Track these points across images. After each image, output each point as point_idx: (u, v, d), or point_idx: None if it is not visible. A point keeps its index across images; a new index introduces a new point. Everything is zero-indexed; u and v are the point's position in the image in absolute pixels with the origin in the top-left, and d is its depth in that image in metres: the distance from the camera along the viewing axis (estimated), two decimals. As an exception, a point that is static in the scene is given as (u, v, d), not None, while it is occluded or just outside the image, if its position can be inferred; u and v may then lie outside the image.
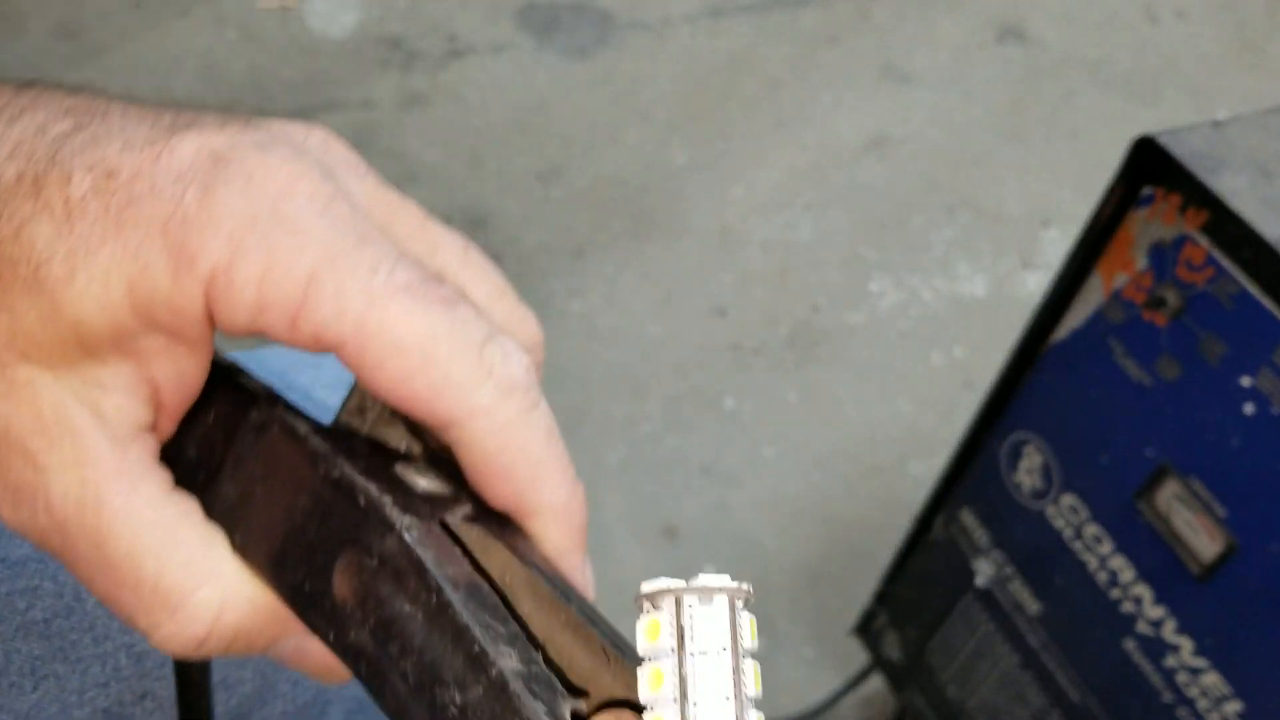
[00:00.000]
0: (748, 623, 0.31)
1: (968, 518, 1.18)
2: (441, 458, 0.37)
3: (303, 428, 0.34)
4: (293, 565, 0.33)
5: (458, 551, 0.33)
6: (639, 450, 1.81)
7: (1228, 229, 0.82)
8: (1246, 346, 0.83)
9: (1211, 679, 0.96)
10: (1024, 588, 1.13)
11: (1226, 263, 0.82)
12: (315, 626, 0.33)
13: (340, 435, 0.35)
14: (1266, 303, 0.81)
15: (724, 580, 0.31)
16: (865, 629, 1.42)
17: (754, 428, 1.87)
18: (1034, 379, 1.04)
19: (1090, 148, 2.41)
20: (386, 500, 0.32)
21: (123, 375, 0.32)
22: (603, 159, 2.24)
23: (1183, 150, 0.85)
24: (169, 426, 0.35)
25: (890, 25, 2.63)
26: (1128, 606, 1.01)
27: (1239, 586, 0.90)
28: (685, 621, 0.30)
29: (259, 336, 0.32)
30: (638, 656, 0.31)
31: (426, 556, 0.31)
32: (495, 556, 0.35)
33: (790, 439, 1.86)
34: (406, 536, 0.32)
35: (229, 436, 0.35)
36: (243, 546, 0.34)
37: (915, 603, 1.31)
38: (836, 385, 1.94)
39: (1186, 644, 0.97)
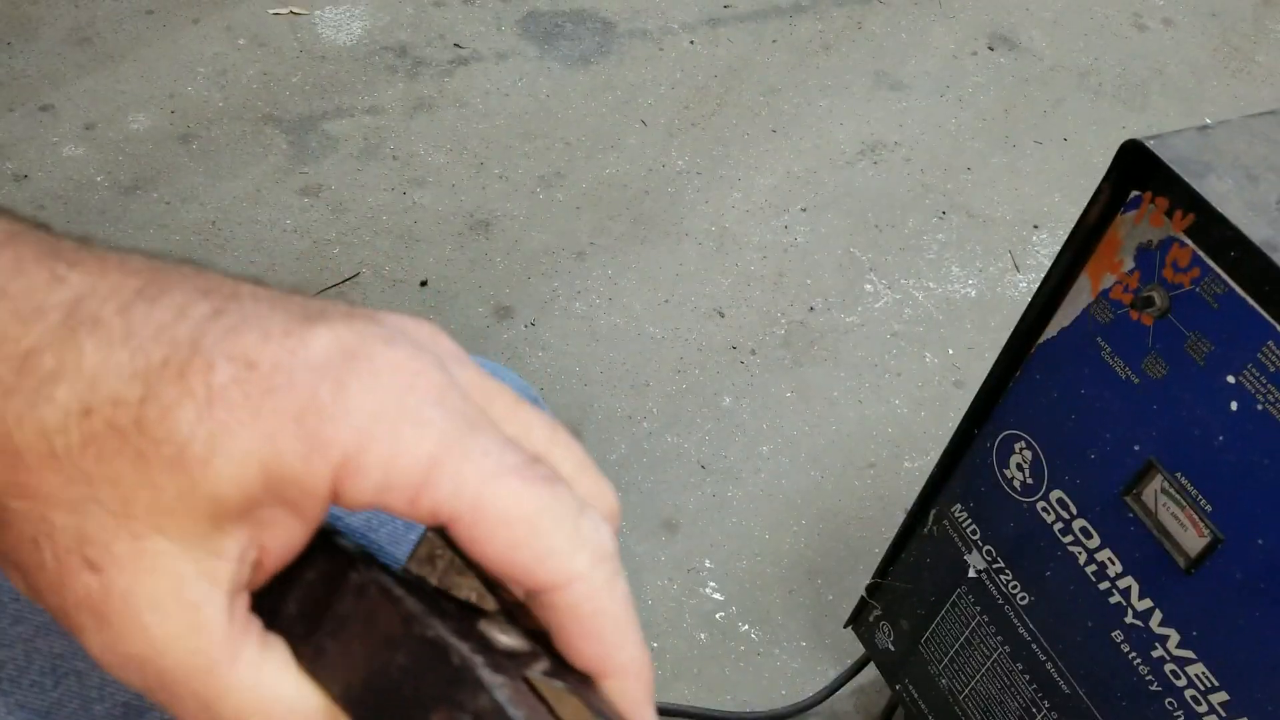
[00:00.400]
0: None
1: (959, 513, 1.17)
2: (512, 611, 0.40)
3: (398, 590, 0.36)
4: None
5: (544, 709, 0.35)
6: (639, 447, 1.82)
7: (1214, 231, 0.81)
8: (1232, 345, 0.83)
9: (1198, 669, 0.96)
10: (1014, 580, 1.13)
11: (1212, 264, 0.82)
12: None
13: (429, 595, 0.37)
14: (1251, 303, 0.80)
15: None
16: (859, 621, 1.42)
17: (751, 425, 1.88)
18: (1024, 378, 1.03)
19: (1079, 153, 2.43)
20: (478, 660, 0.34)
21: (240, 543, 0.34)
22: (604, 163, 2.25)
23: (1170, 154, 0.84)
24: (261, 580, 0.37)
25: (883, 34, 2.64)
26: (1116, 599, 1.01)
27: (1224, 579, 0.90)
28: None
29: (377, 509, 0.35)
30: None
31: (518, 715, 0.33)
32: (572, 711, 0.37)
33: (786, 436, 1.87)
34: (499, 695, 0.33)
35: (329, 595, 0.37)
36: (344, 699, 0.36)
37: (908, 596, 1.31)
38: (832, 384, 1.95)
39: (1173, 635, 0.97)
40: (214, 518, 0.33)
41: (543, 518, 0.35)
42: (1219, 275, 0.82)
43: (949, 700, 1.29)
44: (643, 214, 2.16)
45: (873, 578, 1.37)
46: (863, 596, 1.40)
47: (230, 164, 2.13)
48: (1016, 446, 1.07)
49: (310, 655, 0.36)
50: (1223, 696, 0.95)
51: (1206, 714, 0.97)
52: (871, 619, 1.39)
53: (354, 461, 0.33)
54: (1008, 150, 2.42)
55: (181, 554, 0.33)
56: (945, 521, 1.20)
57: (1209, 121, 0.91)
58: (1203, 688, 0.97)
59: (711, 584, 1.68)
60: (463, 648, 0.34)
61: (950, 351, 2.02)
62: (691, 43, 2.53)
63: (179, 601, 0.33)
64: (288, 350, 0.34)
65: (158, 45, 2.31)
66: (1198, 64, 2.70)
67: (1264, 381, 0.81)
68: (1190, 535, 0.92)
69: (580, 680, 0.38)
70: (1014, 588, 1.13)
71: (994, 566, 1.15)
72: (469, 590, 0.41)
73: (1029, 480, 1.06)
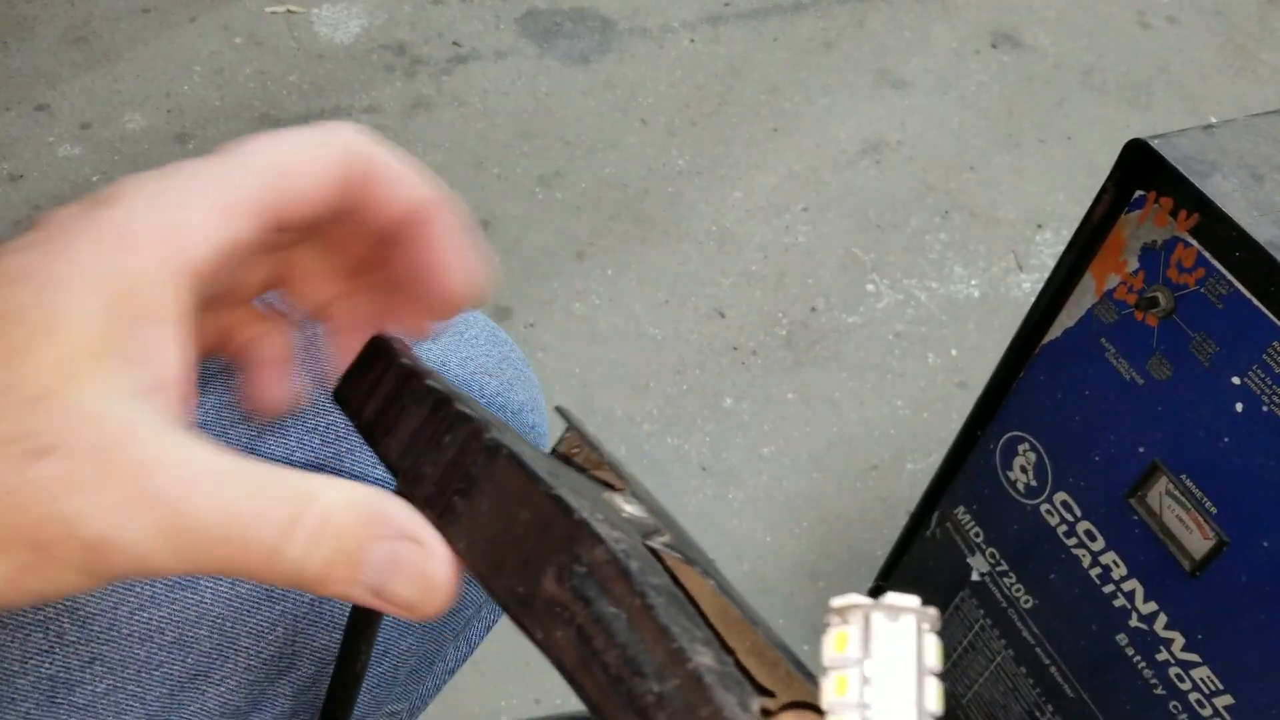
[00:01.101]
0: (932, 644, 0.33)
1: (963, 515, 1.18)
2: (641, 499, 0.43)
3: (528, 454, 0.38)
4: (510, 571, 0.37)
5: (659, 566, 0.37)
6: (639, 448, 1.82)
7: (1218, 231, 0.82)
8: (1237, 346, 0.83)
9: (1202, 673, 0.96)
10: (1018, 583, 1.13)
11: (1217, 264, 0.82)
12: (524, 624, 0.36)
13: (557, 465, 0.40)
14: (1257, 303, 0.80)
15: (913, 601, 0.33)
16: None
17: (752, 427, 1.87)
18: (1027, 379, 1.04)
19: (1083, 152, 2.43)
20: (598, 517, 0.36)
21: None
22: (604, 163, 2.25)
23: (1174, 154, 0.85)
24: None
25: (885, 32, 2.64)
26: (1120, 602, 1.01)
27: (1229, 582, 0.90)
28: (873, 635, 0.32)
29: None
30: (817, 679, 0.34)
31: (632, 566, 0.35)
32: (691, 579, 0.39)
33: (788, 438, 1.87)
34: (615, 548, 0.35)
35: (462, 457, 0.39)
36: (468, 552, 0.38)
37: (912, 599, 1.31)
38: (834, 385, 1.95)
39: (1178, 638, 0.97)
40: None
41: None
42: (1224, 275, 0.82)
43: (952, 705, 1.30)
44: (643, 214, 2.16)
45: (875, 581, 1.38)
46: (864, 599, 1.39)
47: (228, 164, 2.12)
48: (1020, 448, 1.07)
49: (440, 512, 0.39)
50: (1227, 700, 0.95)
51: (1211, 718, 0.98)
52: (873, 622, 1.38)
53: None
54: (1011, 149, 2.41)
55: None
56: (948, 524, 1.20)
57: (1213, 121, 0.91)
58: (1207, 691, 0.97)
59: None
60: (585, 504, 0.36)
61: (953, 352, 2.01)
62: (692, 41, 2.53)
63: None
64: None
65: (154, 44, 2.31)
66: (1202, 63, 2.70)
67: (1269, 382, 0.81)
68: (1195, 538, 0.92)
69: (699, 558, 0.40)
70: (1018, 591, 1.14)
71: (997, 569, 1.15)
72: (605, 476, 0.46)
73: (1033, 482, 1.07)
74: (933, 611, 0.33)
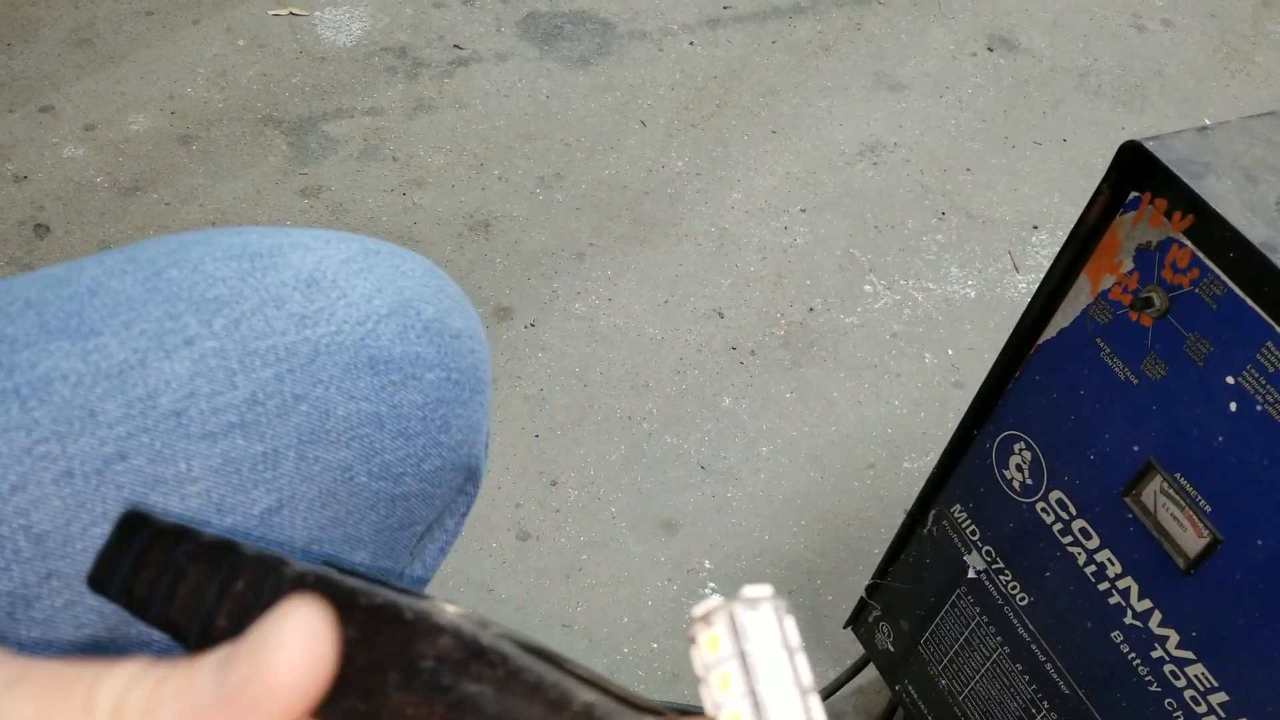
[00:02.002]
0: (791, 626, 0.34)
1: (959, 513, 1.18)
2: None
3: (338, 574, 0.36)
4: (344, 694, 0.34)
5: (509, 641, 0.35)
6: (639, 448, 1.82)
7: (1213, 232, 0.81)
8: (1231, 346, 0.83)
9: (1197, 670, 0.96)
10: (1014, 581, 1.13)
11: (1211, 265, 0.82)
12: None
13: (372, 580, 0.36)
14: (1251, 304, 0.80)
15: (766, 591, 0.34)
16: (859, 622, 1.42)
17: (751, 426, 1.88)
18: (1023, 378, 1.03)
19: (1078, 154, 2.43)
20: (432, 609, 0.34)
21: None
22: (603, 164, 2.25)
23: (1169, 155, 0.84)
24: None
25: (883, 35, 2.64)
26: (1115, 599, 1.01)
27: (1223, 580, 0.90)
28: (740, 627, 0.33)
29: None
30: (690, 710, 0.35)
31: (483, 638, 0.33)
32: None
33: (786, 437, 1.87)
34: (462, 627, 0.34)
35: (261, 596, 0.36)
36: None
37: (908, 596, 1.31)
38: (831, 385, 1.96)
39: (1172, 636, 0.97)
40: None
41: None
42: (1218, 276, 0.82)
43: (948, 701, 1.29)
44: (642, 215, 2.17)
45: (872, 578, 1.37)
46: (862, 597, 1.40)
47: (230, 165, 2.13)
48: (1016, 447, 1.07)
49: None
50: (1222, 697, 0.95)
51: (1206, 714, 0.97)
52: (871, 620, 1.39)
53: None
54: (1007, 151, 2.42)
55: None
56: (945, 522, 1.20)
57: (1208, 122, 0.92)
58: (1202, 688, 0.97)
59: (711, 585, 1.68)
60: (413, 605, 0.34)
61: (950, 352, 2.02)
62: (691, 44, 2.53)
63: None
64: None
65: (158, 46, 2.31)
66: (1197, 65, 2.70)
67: (1263, 382, 0.81)
68: (1189, 536, 0.92)
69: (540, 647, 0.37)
70: (1013, 588, 1.13)
71: (993, 567, 1.15)
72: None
73: (1028, 481, 1.06)
74: (782, 601, 0.34)
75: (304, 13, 2.43)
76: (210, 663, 0.32)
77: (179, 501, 0.55)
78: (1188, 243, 0.84)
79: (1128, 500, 0.96)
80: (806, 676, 0.33)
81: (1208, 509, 0.89)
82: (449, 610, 0.34)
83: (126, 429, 0.55)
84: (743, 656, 0.33)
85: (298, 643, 0.32)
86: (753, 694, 0.33)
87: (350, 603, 0.34)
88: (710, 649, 0.34)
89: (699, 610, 0.34)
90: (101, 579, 0.39)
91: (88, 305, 0.57)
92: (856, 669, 1.49)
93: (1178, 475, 0.91)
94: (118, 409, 0.55)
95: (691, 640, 0.34)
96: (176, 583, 0.37)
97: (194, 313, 0.58)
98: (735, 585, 1.68)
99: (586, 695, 0.33)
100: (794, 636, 0.34)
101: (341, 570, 0.36)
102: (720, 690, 0.33)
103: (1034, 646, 1.14)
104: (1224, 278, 0.82)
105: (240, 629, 0.34)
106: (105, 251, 0.62)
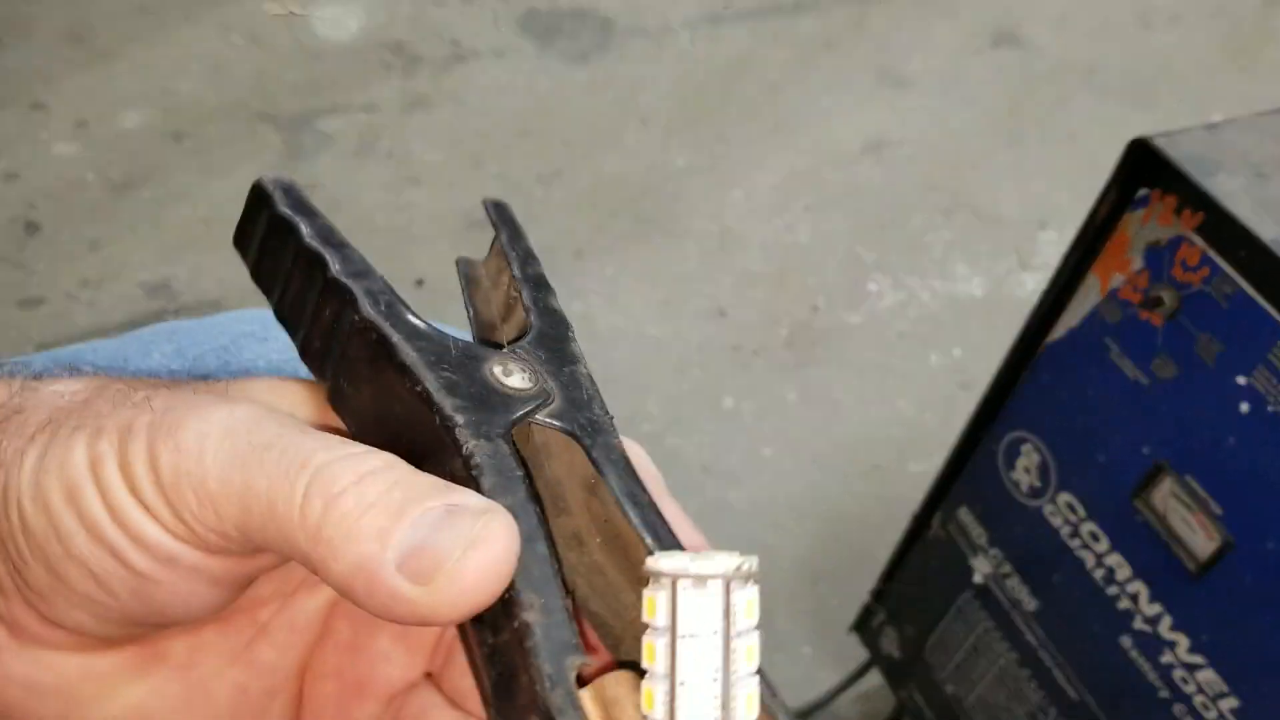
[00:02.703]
0: (744, 601, 0.33)
1: (966, 516, 1.17)
2: (546, 337, 0.42)
3: (396, 335, 0.37)
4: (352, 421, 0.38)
5: (520, 473, 0.35)
6: (639, 450, 1.81)
7: (1223, 230, 0.81)
8: (1242, 346, 0.82)
9: (1207, 675, 0.96)
10: (1021, 585, 1.13)
11: (1222, 263, 0.82)
12: None
13: (435, 336, 0.38)
14: (1262, 302, 0.80)
15: (723, 563, 0.33)
16: (864, 626, 1.42)
17: (753, 427, 1.87)
18: (1031, 379, 1.03)
19: (1086, 150, 2.42)
20: (459, 420, 0.35)
21: None
22: (603, 162, 2.24)
23: (1178, 152, 0.84)
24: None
25: (886, 30, 2.64)
26: (1124, 604, 1.01)
27: (1234, 584, 0.90)
28: (679, 605, 0.32)
29: None
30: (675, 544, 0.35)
31: (485, 484, 0.34)
32: (564, 457, 0.39)
33: (789, 438, 1.86)
34: (470, 462, 0.35)
35: (338, 332, 0.38)
36: (359, 436, 0.38)
37: (913, 600, 1.31)
38: (835, 385, 1.95)
39: (1182, 640, 0.97)
40: None
41: None
42: (1229, 274, 0.82)
43: (954, 707, 1.30)
44: (642, 213, 2.16)
45: (877, 582, 1.38)
46: (867, 601, 1.40)
47: (223, 162, 2.12)
48: (1024, 449, 1.07)
49: (331, 393, 0.39)
50: (1233, 703, 0.95)
51: (1216, 721, 0.97)
52: (876, 624, 1.39)
53: None
54: (1013, 148, 2.41)
55: None
56: (951, 525, 1.20)
57: (1217, 119, 0.91)
58: (1212, 694, 0.96)
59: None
60: (447, 404, 0.36)
61: (956, 352, 2.01)
62: (691, 40, 2.53)
63: None
64: None
65: (151, 42, 2.31)
66: (1205, 61, 2.69)
67: (1275, 382, 0.82)
68: (1200, 539, 0.92)
69: (592, 425, 0.39)
70: (1021, 593, 1.14)
71: (1001, 571, 1.15)
72: (501, 303, 0.45)
73: (1036, 483, 1.07)
74: (748, 565, 0.33)
75: (300, 9, 2.42)
76: (438, 508, 0.33)
77: None
78: (1198, 240, 0.84)
79: (1137, 503, 0.96)
80: (744, 664, 0.33)
81: (1219, 511, 0.89)
82: (472, 436, 0.35)
83: None
84: (672, 637, 0.32)
85: (486, 574, 0.33)
86: (670, 680, 0.32)
87: (400, 381, 0.36)
88: (649, 612, 0.33)
89: (651, 564, 0.33)
90: (239, 243, 0.43)
91: None
92: (858, 674, 1.49)
93: (1188, 477, 0.91)
94: None
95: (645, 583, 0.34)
96: (286, 285, 0.40)
97: None
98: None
99: (532, 614, 0.33)
100: (744, 618, 0.33)
101: (398, 318, 0.38)
102: (648, 660, 0.32)
103: (1042, 652, 1.14)
104: (1235, 276, 0.82)
105: (326, 357, 0.39)
106: (150, 332, 0.61)
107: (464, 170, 2.19)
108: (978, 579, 1.18)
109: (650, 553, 0.36)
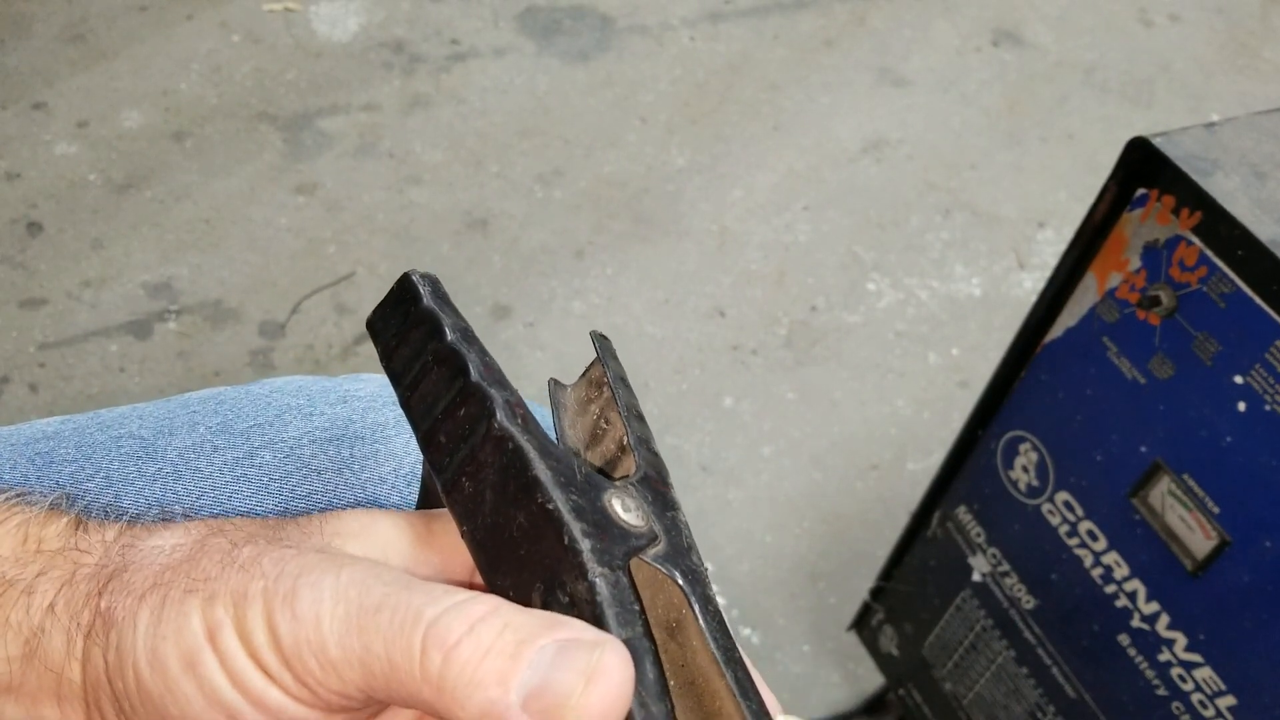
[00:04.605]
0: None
1: (964, 515, 1.17)
2: (648, 480, 0.43)
3: (534, 446, 0.39)
4: (504, 572, 0.38)
5: (637, 608, 0.37)
6: (639, 449, 1.81)
7: (1221, 230, 0.81)
8: (1239, 345, 0.82)
9: (1205, 673, 0.96)
10: (1020, 584, 1.13)
11: (1219, 263, 0.82)
12: None
13: (563, 458, 0.39)
14: (1259, 302, 0.80)
15: None
16: (862, 625, 1.42)
17: (753, 426, 1.87)
18: (1029, 378, 1.03)
19: (1085, 150, 2.42)
20: (586, 546, 0.37)
21: None
22: (603, 161, 2.24)
23: (1176, 152, 0.84)
24: None
25: (886, 30, 2.63)
26: (1122, 602, 1.01)
27: (1231, 582, 0.90)
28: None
29: None
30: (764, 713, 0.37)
31: (609, 614, 0.36)
32: (673, 591, 0.40)
33: (788, 437, 1.86)
34: (596, 591, 0.36)
35: (471, 435, 0.40)
36: (470, 535, 0.39)
37: (912, 599, 1.31)
38: (834, 384, 1.94)
39: (1180, 639, 0.97)
40: None
41: None
42: (1226, 274, 0.82)
43: (953, 705, 1.30)
44: (642, 212, 2.16)
45: (876, 581, 1.38)
46: (866, 600, 1.40)
47: (224, 162, 2.12)
48: (1022, 448, 1.07)
49: (448, 485, 0.40)
50: (1230, 701, 0.95)
51: (1213, 718, 0.97)
52: (875, 623, 1.39)
53: None
54: (1012, 147, 2.41)
55: None
56: (950, 524, 1.20)
57: (1216, 119, 0.91)
58: (1210, 692, 0.97)
59: (713, 587, 1.67)
60: (575, 528, 0.37)
61: (954, 351, 2.01)
62: (691, 39, 2.53)
63: None
64: None
65: (151, 42, 2.31)
66: (1204, 60, 2.69)
67: (1272, 381, 0.81)
68: (1198, 537, 0.92)
69: (688, 570, 0.41)
70: (1019, 591, 1.14)
71: (999, 569, 1.15)
72: (614, 439, 0.46)
73: (1034, 482, 1.06)
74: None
75: (299, 7, 2.42)
76: (550, 646, 0.35)
77: None
78: (1196, 240, 0.84)
79: (1135, 501, 0.96)
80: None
81: (1216, 510, 0.89)
82: (596, 562, 0.37)
83: None
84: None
85: (608, 705, 0.34)
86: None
87: (530, 494, 0.38)
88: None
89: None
90: (374, 328, 0.44)
91: (169, 492, 0.59)
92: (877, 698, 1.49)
93: (1185, 476, 0.91)
94: None
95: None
96: (420, 378, 0.42)
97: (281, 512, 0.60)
98: (738, 588, 1.67)
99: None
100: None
101: (539, 437, 0.40)
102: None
103: (1040, 650, 1.14)
104: (1232, 276, 0.82)
105: (452, 453, 0.40)
106: (199, 399, 0.62)
107: (464, 170, 2.18)
108: (976, 577, 1.18)
109: (739, 708, 0.38)
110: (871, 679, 1.54)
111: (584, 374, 0.49)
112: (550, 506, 0.37)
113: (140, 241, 1.98)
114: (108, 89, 2.21)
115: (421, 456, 0.64)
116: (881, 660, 1.41)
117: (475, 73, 2.37)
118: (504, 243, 2.06)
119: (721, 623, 0.41)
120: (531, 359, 1.89)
